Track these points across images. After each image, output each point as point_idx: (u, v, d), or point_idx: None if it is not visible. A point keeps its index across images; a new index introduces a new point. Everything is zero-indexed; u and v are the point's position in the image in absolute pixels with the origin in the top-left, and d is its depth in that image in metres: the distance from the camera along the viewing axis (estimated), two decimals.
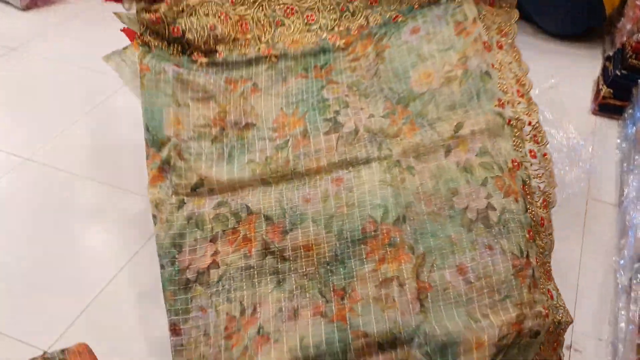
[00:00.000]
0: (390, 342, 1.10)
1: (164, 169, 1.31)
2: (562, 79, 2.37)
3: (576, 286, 1.60)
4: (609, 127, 2.22)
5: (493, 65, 1.37)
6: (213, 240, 1.27)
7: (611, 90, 2.22)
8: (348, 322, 1.12)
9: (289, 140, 1.30)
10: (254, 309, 1.18)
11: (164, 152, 1.31)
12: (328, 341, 1.11)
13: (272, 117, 1.35)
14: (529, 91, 1.41)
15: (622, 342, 1.35)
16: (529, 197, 1.30)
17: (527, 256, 1.21)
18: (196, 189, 1.30)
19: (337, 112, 1.31)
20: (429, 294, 1.15)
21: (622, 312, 1.42)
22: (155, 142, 1.32)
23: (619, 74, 2.19)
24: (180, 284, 1.24)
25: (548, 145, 1.35)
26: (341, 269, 1.18)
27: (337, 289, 1.17)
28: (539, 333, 1.18)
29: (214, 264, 1.25)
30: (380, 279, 1.16)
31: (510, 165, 1.29)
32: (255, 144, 1.32)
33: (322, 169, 1.27)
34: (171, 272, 1.25)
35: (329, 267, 1.19)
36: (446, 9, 1.43)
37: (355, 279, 1.17)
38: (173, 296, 1.24)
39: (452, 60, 1.38)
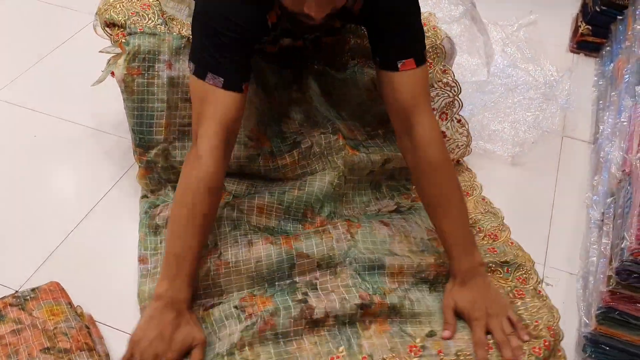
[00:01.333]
0: (327, 263, 1.32)
1: (151, 166, 1.46)
2: (541, 15, 2.34)
3: (549, 222, 1.62)
4: (586, 65, 2.21)
5: None
6: None
7: (590, 28, 2.20)
8: (293, 246, 1.32)
9: (260, 154, 1.47)
10: (215, 244, 1.33)
11: (151, 154, 1.44)
12: (278, 263, 1.30)
13: (249, 126, 1.46)
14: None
15: (592, 274, 1.37)
16: None
17: None
18: None
19: (295, 139, 1.49)
20: (358, 230, 1.39)
21: (594, 247, 1.44)
22: (142, 144, 1.43)
23: (598, 10, 2.16)
24: (151, 228, 1.43)
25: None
26: (283, 232, 1.40)
27: (282, 237, 1.37)
28: None
29: None
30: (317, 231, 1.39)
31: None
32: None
33: (289, 179, 1.49)
34: (143, 218, 1.46)
35: (274, 228, 1.40)
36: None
37: (295, 234, 1.39)
38: (145, 237, 1.43)
39: (374, 122, 1.59)
